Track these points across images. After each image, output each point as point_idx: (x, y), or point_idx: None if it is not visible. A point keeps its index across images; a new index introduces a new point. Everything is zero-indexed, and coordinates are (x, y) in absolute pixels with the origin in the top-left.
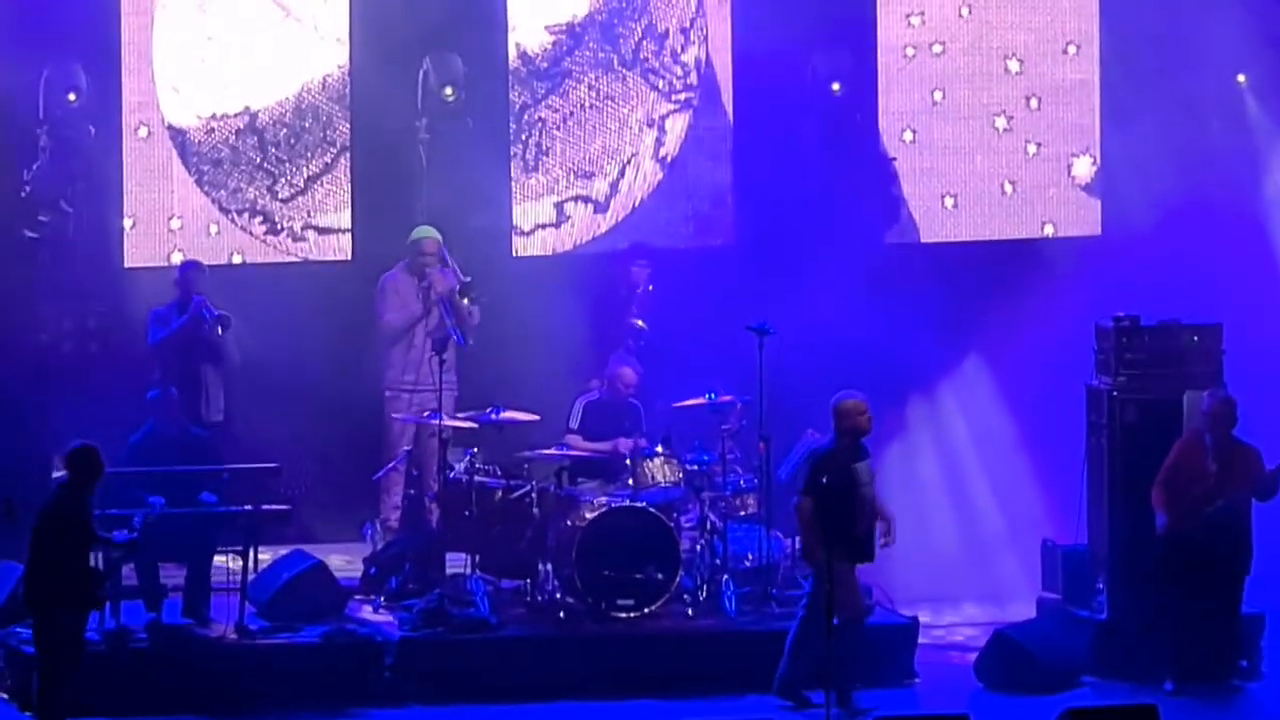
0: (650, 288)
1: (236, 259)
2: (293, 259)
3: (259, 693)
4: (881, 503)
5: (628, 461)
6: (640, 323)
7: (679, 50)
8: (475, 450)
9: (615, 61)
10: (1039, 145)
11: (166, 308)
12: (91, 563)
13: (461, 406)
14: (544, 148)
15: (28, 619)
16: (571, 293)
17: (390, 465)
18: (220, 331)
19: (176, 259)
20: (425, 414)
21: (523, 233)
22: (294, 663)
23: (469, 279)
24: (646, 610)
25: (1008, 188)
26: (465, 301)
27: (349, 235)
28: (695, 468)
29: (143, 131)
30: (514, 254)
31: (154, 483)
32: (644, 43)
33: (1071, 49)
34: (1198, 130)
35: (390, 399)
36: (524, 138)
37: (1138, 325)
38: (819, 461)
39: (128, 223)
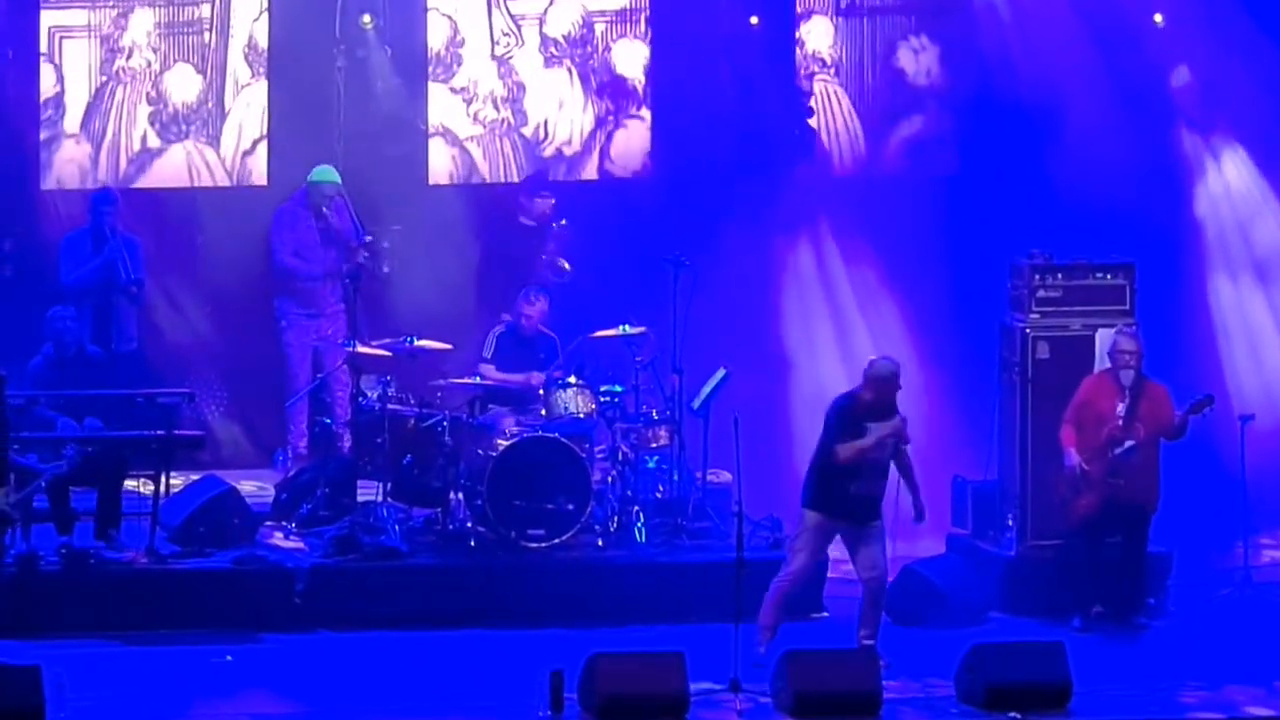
0: (563, 221)
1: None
2: (210, 184)
3: (169, 617)
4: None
5: (540, 393)
6: (565, 263)
7: None
8: (389, 379)
9: None
10: None
11: (80, 233)
12: None
13: (376, 335)
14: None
15: None
16: (487, 222)
17: (302, 393)
18: (134, 291)
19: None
20: (340, 341)
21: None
22: (205, 588)
23: (370, 239)
24: (557, 540)
25: None
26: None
27: (265, 162)
28: (608, 399)
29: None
30: (429, 183)
31: (63, 406)
32: None
33: None
34: (1112, 68)
35: (285, 328)
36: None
37: (1051, 263)
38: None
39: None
